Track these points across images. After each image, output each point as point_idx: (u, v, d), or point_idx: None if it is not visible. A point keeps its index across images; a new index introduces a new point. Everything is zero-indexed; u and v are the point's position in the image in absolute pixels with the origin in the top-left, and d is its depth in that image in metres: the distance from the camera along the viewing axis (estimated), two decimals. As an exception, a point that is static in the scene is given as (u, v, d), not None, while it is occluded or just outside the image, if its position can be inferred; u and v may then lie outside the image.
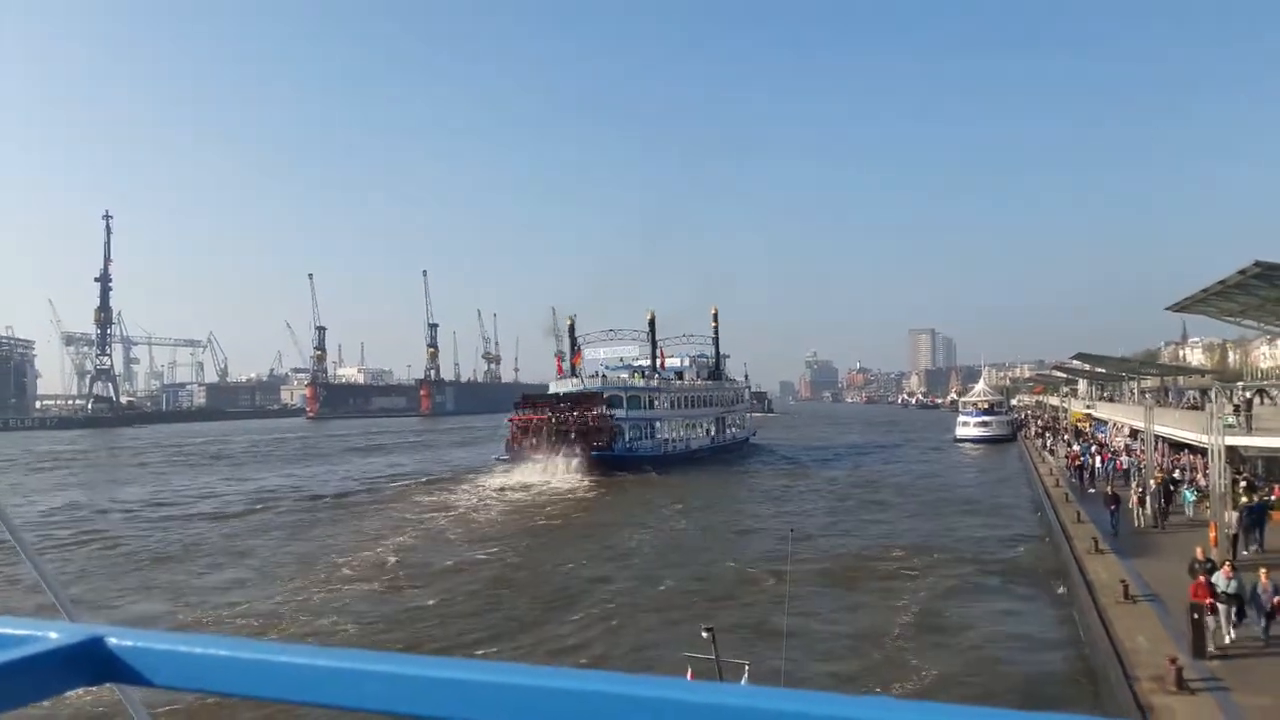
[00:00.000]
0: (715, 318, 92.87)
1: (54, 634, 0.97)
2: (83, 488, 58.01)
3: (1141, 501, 29.27)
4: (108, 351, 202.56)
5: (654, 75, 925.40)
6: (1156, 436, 36.01)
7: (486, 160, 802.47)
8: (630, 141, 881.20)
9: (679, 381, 78.99)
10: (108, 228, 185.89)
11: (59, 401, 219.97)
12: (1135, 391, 63.92)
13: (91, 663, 0.97)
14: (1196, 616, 15.53)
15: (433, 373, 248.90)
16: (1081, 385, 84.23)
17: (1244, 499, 25.36)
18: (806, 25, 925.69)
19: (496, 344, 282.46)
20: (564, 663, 19.01)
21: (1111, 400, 68.87)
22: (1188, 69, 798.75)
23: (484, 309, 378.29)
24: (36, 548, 1.86)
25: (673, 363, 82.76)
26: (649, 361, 78.72)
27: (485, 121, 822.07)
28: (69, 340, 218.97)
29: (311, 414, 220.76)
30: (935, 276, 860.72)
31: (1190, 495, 30.44)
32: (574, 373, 75.90)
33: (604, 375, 73.94)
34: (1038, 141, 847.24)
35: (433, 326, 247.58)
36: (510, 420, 65.29)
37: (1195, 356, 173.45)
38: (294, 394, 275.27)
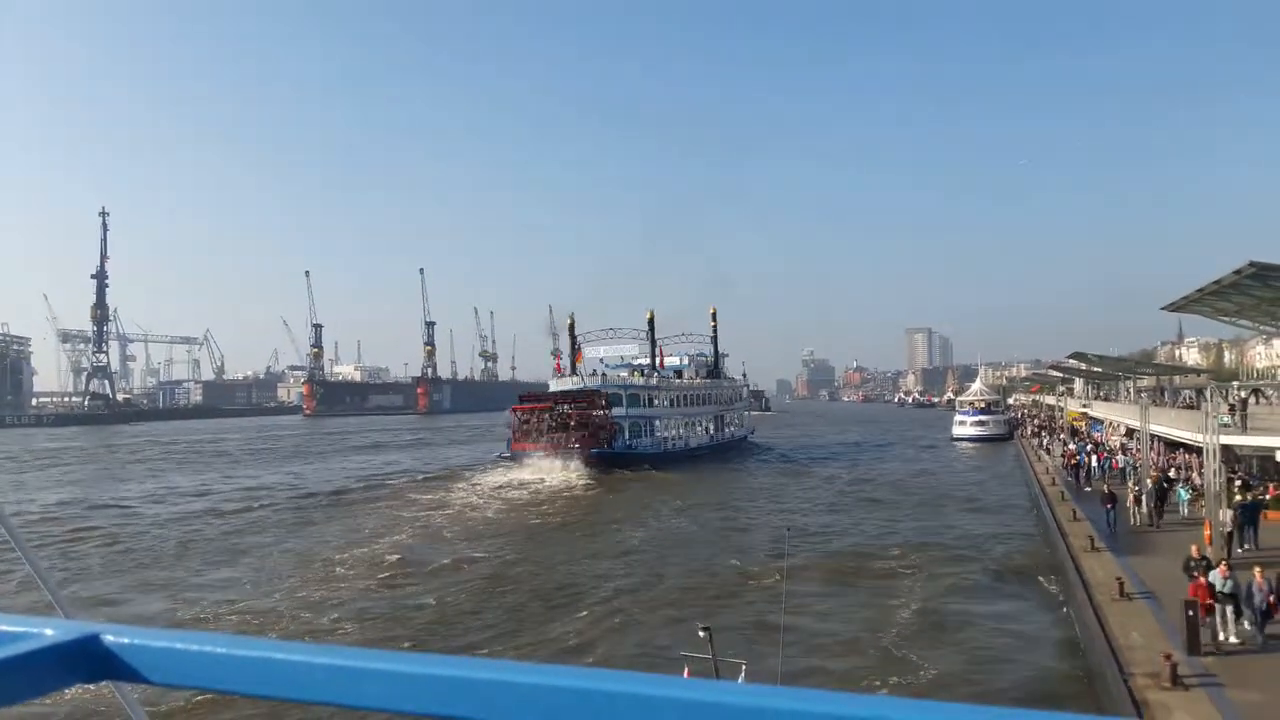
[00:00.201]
0: (714, 317, 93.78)
1: (50, 631, 0.97)
2: (79, 485, 57.94)
3: (1137, 500, 29.47)
4: (104, 349, 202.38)
5: (654, 76, 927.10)
6: (1152, 435, 36.17)
7: (486, 160, 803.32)
8: (630, 141, 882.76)
9: (678, 380, 79.45)
10: (104, 225, 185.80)
11: (55, 399, 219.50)
12: (1131, 391, 64.12)
13: (88, 660, 0.96)
14: (1191, 613, 15.67)
15: (429, 371, 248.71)
16: (1078, 384, 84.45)
17: (1237, 497, 25.52)
18: (806, 26, 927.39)
19: (494, 342, 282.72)
20: (564, 661, 19.11)
21: (1107, 399, 69.09)
22: (1187, 69, 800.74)
23: (483, 308, 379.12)
24: (33, 545, 1.95)
25: (672, 361, 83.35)
26: (648, 360, 79.23)
27: (485, 121, 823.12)
28: (65, 337, 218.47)
29: (308, 411, 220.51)
30: (932, 276, 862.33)
31: (1185, 494, 30.65)
32: (574, 371, 76.20)
33: (604, 374, 74.42)
34: (1037, 141, 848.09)
35: (430, 325, 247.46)
36: (511, 416, 65.55)
37: (1191, 356, 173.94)
38: (290, 391, 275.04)
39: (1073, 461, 44.21)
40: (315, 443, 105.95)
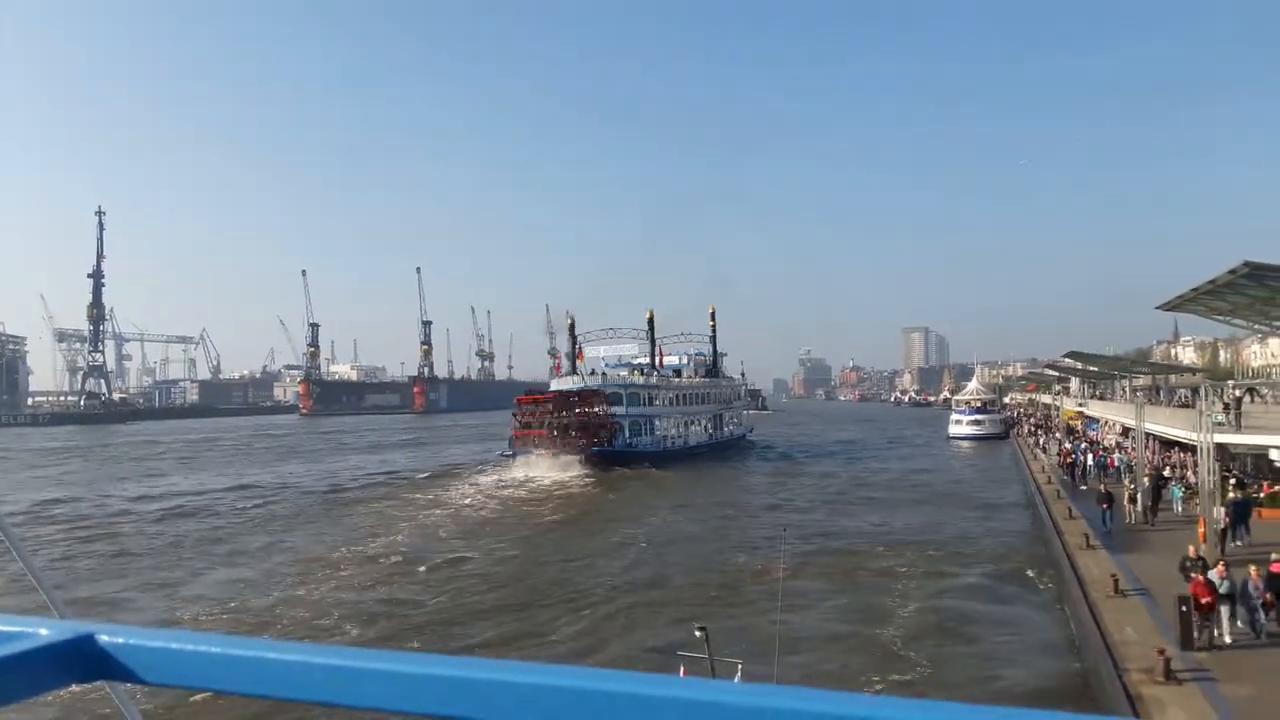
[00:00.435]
0: (713, 316, 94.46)
1: (44, 631, 0.97)
2: (76, 484, 57.91)
3: (1133, 499, 29.67)
4: (100, 348, 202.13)
5: (654, 76, 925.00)
6: (1147, 434, 36.36)
7: (486, 160, 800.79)
8: (630, 141, 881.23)
9: (677, 379, 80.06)
10: (100, 224, 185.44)
11: (51, 398, 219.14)
12: (1127, 390, 64.35)
13: (82, 660, 0.96)
14: (1184, 609, 15.83)
15: (426, 370, 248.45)
16: (1074, 384, 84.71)
17: (1230, 494, 25.73)
18: (806, 26, 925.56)
19: (490, 342, 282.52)
20: (563, 660, 19.22)
21: (1103, 398, 69.32)
22: (1187, 69, 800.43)
23: (482, 307, 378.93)
24: (27, 544, 1.93)
25: (671, 360, 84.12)
26: (648, 359, 79.78)
27: (485, 121, 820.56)
28: (61, 336, 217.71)
29: (305, 411, 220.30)
30: (931, 276, 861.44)
31: (1178, 491, 30.92)
32: (575, 370, 76.61)
33: (604, 373, 74.86)
34: (1037, 141, 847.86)
35: (426, 324, 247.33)
36: (513, 415, 65.98)
37: (1187, 355, 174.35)
38: (287, 391, 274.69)
39: (1068, 460, 44.44)
40: (312, 442, 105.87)
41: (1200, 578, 16.59)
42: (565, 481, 53.92)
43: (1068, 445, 51.76)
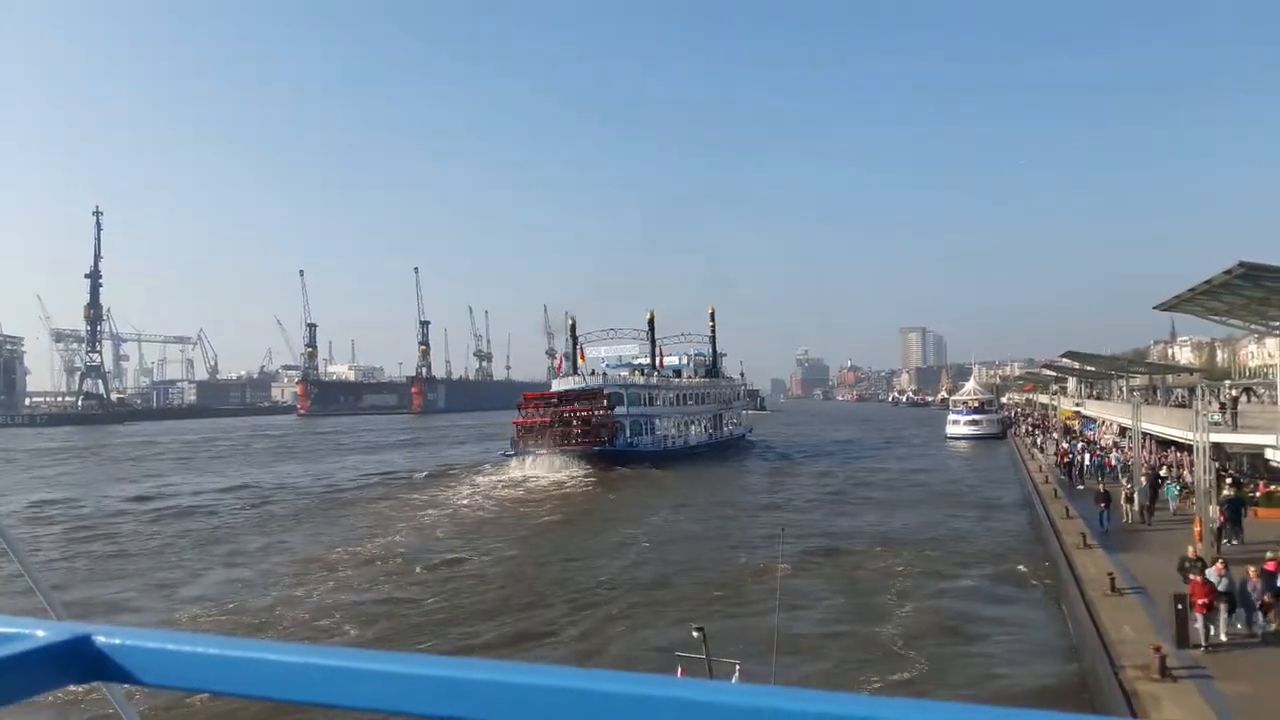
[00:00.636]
0: (712, 317, 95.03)
1: (41, 632, 0.97)
2: (73, 485, 57.93)
3: (1129, 498, 29.81)
4: (98, 348, 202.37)
5: (654, 76, 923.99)
6: (1144, 434, 36.49)
7: (486, 160, 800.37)
8: (630, 141, 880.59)
9: (678, 379, 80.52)
10: (98, 224, 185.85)
11: (48, 398, 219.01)
12: (1124, 390, 64.52)
13: (79, 661, 0.96)
14: (1180, 607, 15.92)
15: (424, 370, 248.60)
16: (1071, 383, 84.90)
17: (1225, 492, 25.86)
18: (806, 26, 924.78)
19: (488, 342, 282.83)
20: (562, 660, 19.30)
21: (1100, 398, 69.48)
22: (1187, 69, 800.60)
23: (482, 308, 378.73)
24: (25, 545, 1.94)
25: (671, 361, 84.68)
26: (649, 360, 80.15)
27: (485, 121, 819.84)
28: (58, 337, 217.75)
29: (302, 411, 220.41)
30: (931, 276, 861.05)
31: (1173, 490, 31.09)
32: (576, 370, 77.00)
33: (605, 373, 75.27)
34: (1037, 141, 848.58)
35: (424, 324, 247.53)
36: (517, 414, 66.49)
37: (1184, 355, 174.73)
38: (284, 391, 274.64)
39: (1066, 460, 44.59)
40: (310, 443, 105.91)
41: (1198, 578, 16.66)
42: (567, 481, 54.17)
43: (1065, 445, 51.89)
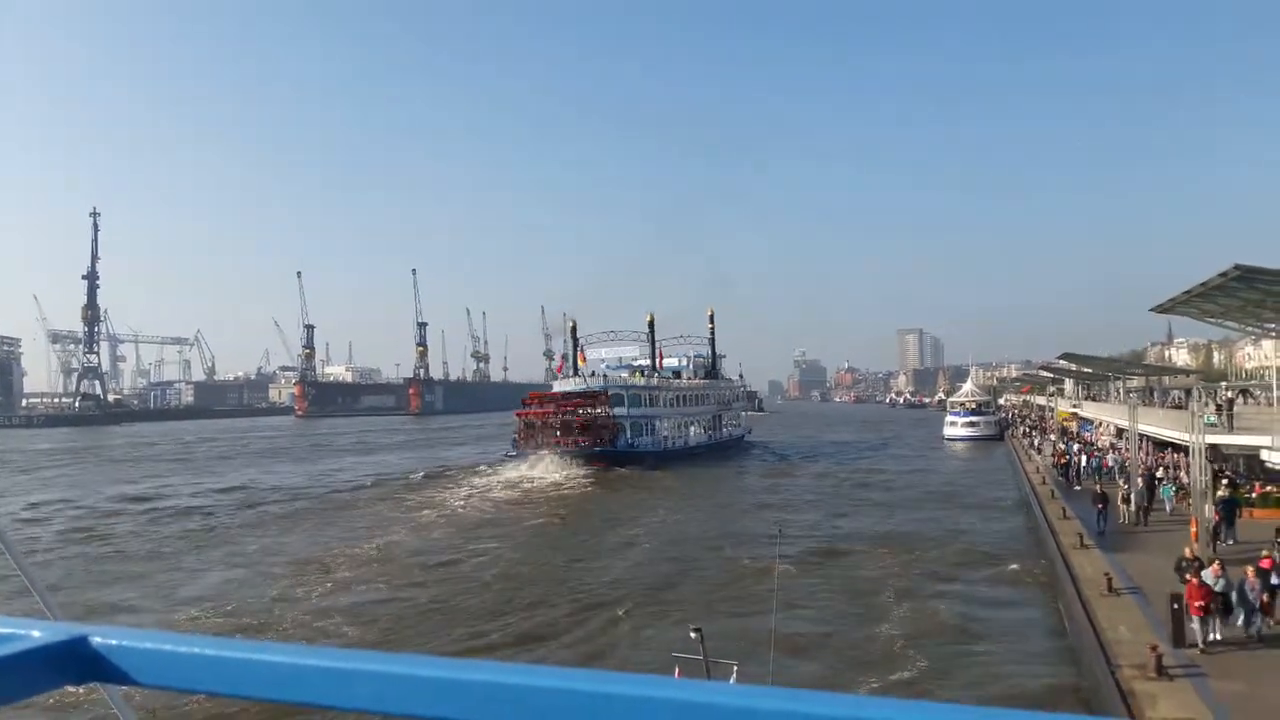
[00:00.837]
0: (712, 319, 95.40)
1: (37, 633, 0.97)
2: (70, 485, 57.86)
3: (1126, 499, 29.95)
4: (95, 349, 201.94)
5: (654, 76, 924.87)
6: (1141, 435, 36.64)
7: (486, 160, 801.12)
8: (630, 141, 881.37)
9: (677, 381, 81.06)
10: (95, 225, 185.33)
11: (45, 399, 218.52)
12: (1120, 391, 64.71)
13: (76, 662, 0.96)
14: (1176, 607, 16.05)
15: (422, 371, 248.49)
16: (1068, 385, 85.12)
17: (1219, 493, 26.02)
18: (806, 26, 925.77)
19: (486, 343, 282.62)
20: (562, 660, 19.39)
21: (1097, 400, 69.69)
22: (1187, 69, 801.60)
23: (481, 309, 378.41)
24: (21, 546, 1.98)
25: (670, 362, 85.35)
26: (649, 361, 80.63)
27: (485, 121, 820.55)
28: (55, 338, 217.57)
29: (300, 412, 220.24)
30: (927, 276, 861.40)
31: (1168, 491, 31.26)
32: (576, 371, 77.38)
33: (605, 374, 75.70)
34: (1037, 141, 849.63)
35: (422, 325, 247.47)
36: (518, 415, 66.83)
37: (1181, 357, 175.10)
38: (282, 392, 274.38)
39: (1062, 461, 44.74)
40: (307, 444, 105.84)
41: (1194, 579, 16.76)
42: (568, 481, 54.42)
43: (1062, 446, 52.05)
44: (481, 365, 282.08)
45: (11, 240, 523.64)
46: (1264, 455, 28.46)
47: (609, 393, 67.73)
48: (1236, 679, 14.23)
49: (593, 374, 76.04)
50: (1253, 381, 75.78)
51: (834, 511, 41.55)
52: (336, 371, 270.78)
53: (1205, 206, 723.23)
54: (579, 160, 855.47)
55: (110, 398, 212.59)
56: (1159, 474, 35.50)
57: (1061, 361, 75.74)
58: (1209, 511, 23.37)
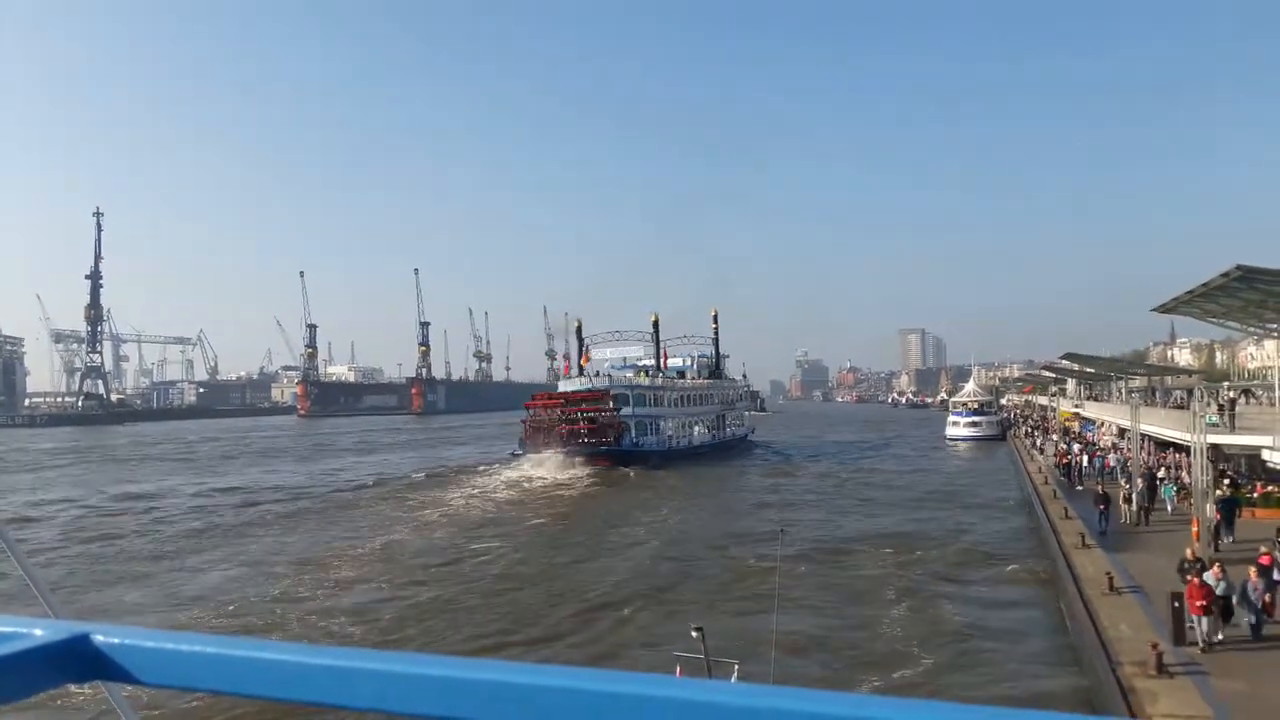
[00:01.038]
0: (715, 319, 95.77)
1: (39, 631, 0.96)
2: (72, 485, 58.02)
3: (1128, 499, 29.98)
4: (98, 349, 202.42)
5: (654, 76, 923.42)
6: (1143, 435, 36.65)
7: (486, 160, 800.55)
8: (630, 141, 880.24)
9: (681, 381, 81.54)
10: (98, 225, 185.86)
11: (48, 399, 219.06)
12: (1123, 391, 64.68)
13: (77, 660, 0.96)
14: (1177, 605, 16.08)
15: (424, 371, 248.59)
16: (1070, 385, 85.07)
17: (1219, 493, 26.06)
18: (806, 26, 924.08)
19: (488, 343, 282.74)
20: (562, 659, 19.44)
21: (1099, 400, 69.66)
22: (1187, 69, 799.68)
23: (482, 308, 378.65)
24: (23, 545, 2.02)
25: (674, 362, 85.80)
26: (653, 361, 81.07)
27: (485, 121, 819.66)
28: (58, 337, 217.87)
29: (303, 412, 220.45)
30: (928, 276, 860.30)
31: (1170, 491, 31.28)
32: (581, 372, 77.88)
33: (610, 374, 76.17)
34: (1037, 141, 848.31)
35: (424, 325, 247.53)
36: (526, 410, 67.18)
37: (1183, 357, 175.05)
38: (284, 392, 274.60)
39: (1065, 461, 44.76)
40: (310, 443, 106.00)
41: (1196, 580, 16.77)
42: (573, 481, 54.67)
43: (1064, 446, 52.04)
44: (484, 365, 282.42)
45: (12, 240, 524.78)
46: (1265, 455, 28.49)
47: (614, 392, 68.14)
48: (1238, 678, 14.26)
49: (597, 374, 76.46)
50: (1255, 382, 75.75)
51: (836, 511, 41.62)
52: (339, 371, 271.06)
53: (1205, 206, 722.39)
54: (579, 160, 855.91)
55: (113, 397, 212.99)
56: (1160, 474, 35.51)
57: (1064, 361, 75.74)
58: (1210, 511, 23.39)
